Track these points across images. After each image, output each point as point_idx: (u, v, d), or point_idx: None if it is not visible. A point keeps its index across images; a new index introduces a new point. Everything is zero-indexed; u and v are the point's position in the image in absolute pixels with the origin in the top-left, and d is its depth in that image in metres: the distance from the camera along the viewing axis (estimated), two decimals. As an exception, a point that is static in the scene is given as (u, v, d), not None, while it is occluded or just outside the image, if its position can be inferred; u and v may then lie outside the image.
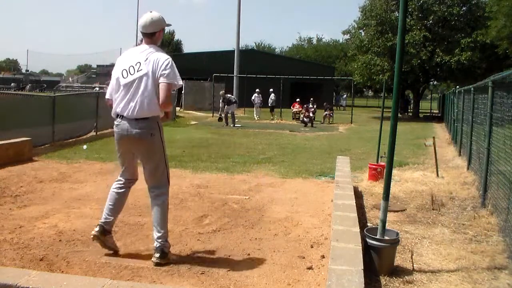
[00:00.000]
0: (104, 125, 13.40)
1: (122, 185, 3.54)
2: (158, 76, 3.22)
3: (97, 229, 3.39)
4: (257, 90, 24.08)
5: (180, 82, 3.31)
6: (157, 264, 3.26)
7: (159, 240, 3.33)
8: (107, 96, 3.50)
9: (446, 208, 5.54)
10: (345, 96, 45.94)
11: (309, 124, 19.21)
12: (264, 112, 24.70)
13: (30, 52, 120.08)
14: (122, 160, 3.54)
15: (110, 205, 3.48)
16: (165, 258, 3.32)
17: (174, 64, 3.27)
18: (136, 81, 3.26)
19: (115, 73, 3.38)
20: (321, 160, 9.25)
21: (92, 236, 3.40)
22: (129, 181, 3.59)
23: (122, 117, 3.31)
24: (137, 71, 3.26)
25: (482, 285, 3.27)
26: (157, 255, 3.29)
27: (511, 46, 21.83)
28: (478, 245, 4.17)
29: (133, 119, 3.27)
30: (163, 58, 3.27)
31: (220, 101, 19.14)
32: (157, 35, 3.41)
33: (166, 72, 3.22)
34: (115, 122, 3.38)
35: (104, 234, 3.40)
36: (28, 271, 2.75)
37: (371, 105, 53.13)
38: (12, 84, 46.70)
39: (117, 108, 3.33)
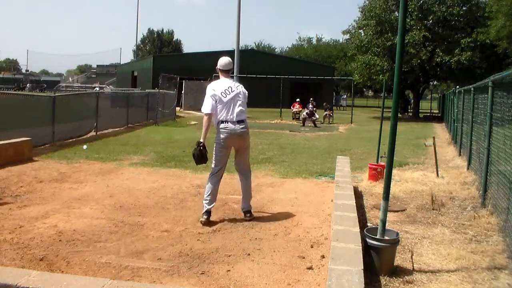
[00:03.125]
0: (104, 125, 13.41)
1: (221, 176, 4.71)
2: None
3: (205, 216, 4.49)
4: None
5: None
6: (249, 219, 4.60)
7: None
8: (209, 111, 4.50)
9: (446, 208, 5.54)
10: (344, 96, 45.83)
11: (312, 125, 19.23)
12: (263, 112, 24.68)
13: (30, 52, 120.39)
14: (224, 156, 4.66)
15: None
16: (252, 215, 4.68)
17: None
18: (236, 98, 4.61)
19: (216, 95, 4.53)
20: (321, 160, 9.25)
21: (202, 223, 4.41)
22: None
23: (227, 122, 4.51)
24: (232, 92, 4.60)
25: (482, 285, 3.27)
26: (248, 214, 4.66)
27: (511, 45, 21.81)
28: (478, 245, 4.17)
29: (237, 121, 4.53)
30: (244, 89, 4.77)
31: None
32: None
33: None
34: (221, 126, 4.51)
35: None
36: (28, 271, 2.75)
37: (371, 105, 53.12)
38: (28, 85, 46.26)
39: (221, 116, 4.53)
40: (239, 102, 4.59)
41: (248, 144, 4.76)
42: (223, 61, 4.72)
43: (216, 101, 4.52)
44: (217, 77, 4.78)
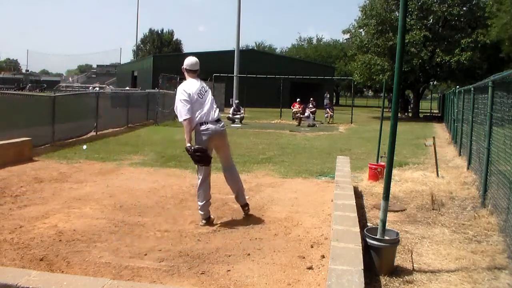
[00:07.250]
0: (104, 125, 13.41)
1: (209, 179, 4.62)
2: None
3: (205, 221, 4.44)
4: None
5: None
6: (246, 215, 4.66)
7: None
8: (188, 116, 4.33)
9: (446, 208, 5.54)
10: (327, 95, 43.06)
11: (310, 123, 19.24)
12: (261, 112, 24.66)
13: (30, 52, 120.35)
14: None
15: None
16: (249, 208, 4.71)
17: None
18: (210, 98, 4.56)
19: (193, 96, 4.39)
20: (321, 160, 9.24)
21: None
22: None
23: (207, 123, 4.40)
24: (206, 92, 4.54)
25: (482, 285, 3.27)
26: (246, 208, 4.70)
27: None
28: (478, 245, 4.17)
29: (216, 120, 4.47)
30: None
31: (235, 106, 20.71)
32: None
33: None
34: (202, 128, 4.39)
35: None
36: (28, 271, 2.75)
37: (371, 105, 53.11)
38: (28, 85, 45.24)
39: (200, 117, 4.40)
40: (213, 101, 4.58)
41: (228, 141, 4.76)
42: (190, 61, 4.60)
43: (192, 103, 4.38)
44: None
